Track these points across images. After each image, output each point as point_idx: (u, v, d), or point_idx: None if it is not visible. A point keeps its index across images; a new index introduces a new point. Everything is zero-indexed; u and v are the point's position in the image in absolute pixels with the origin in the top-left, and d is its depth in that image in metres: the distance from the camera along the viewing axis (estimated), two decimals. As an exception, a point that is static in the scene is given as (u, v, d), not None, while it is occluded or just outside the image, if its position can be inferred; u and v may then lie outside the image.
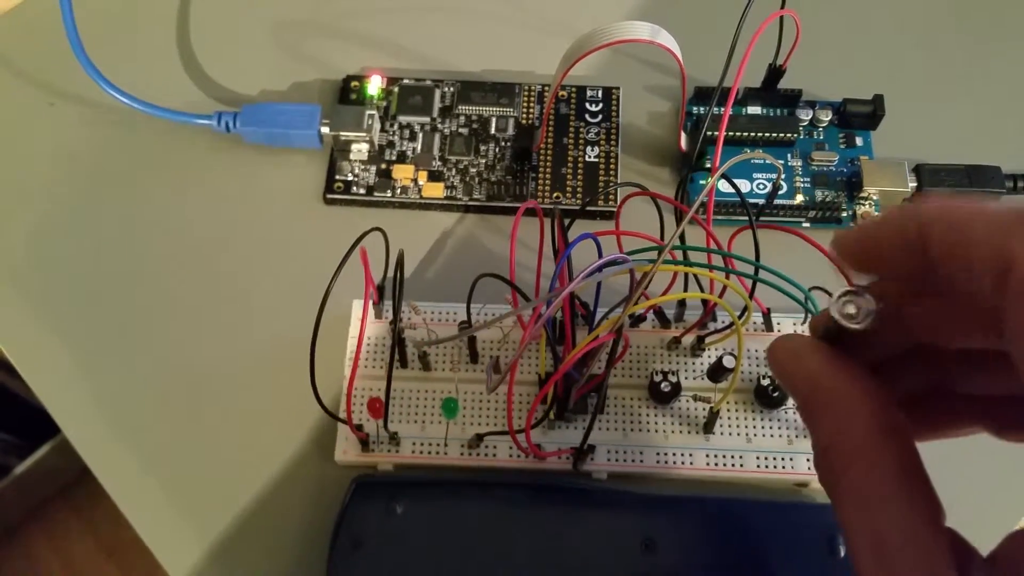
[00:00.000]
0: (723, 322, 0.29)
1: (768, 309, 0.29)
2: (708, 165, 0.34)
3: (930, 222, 0.17)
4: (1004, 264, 0.16)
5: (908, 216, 0.18)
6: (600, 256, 0.23)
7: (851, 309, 0.19)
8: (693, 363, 0.29)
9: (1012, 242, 0.16)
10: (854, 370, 0.19)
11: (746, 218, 0.26)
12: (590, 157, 0.35)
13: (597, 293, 0.27)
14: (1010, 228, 0.16)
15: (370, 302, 0.29)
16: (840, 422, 0.18)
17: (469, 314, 0.27)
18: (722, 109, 0.31)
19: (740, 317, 0.25)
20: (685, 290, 0.27)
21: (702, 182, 0.34)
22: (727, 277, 0.25)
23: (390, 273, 0.26)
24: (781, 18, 0.32)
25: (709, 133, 0.33)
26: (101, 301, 0.33)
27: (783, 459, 0.28)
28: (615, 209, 0.30)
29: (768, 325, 0.29)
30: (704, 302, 0.27)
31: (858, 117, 0.35)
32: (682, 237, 0.26)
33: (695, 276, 0.27)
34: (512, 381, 0.23)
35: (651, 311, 0.30)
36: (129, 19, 0.39)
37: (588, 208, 0.34)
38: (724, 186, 0.34)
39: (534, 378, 0.29)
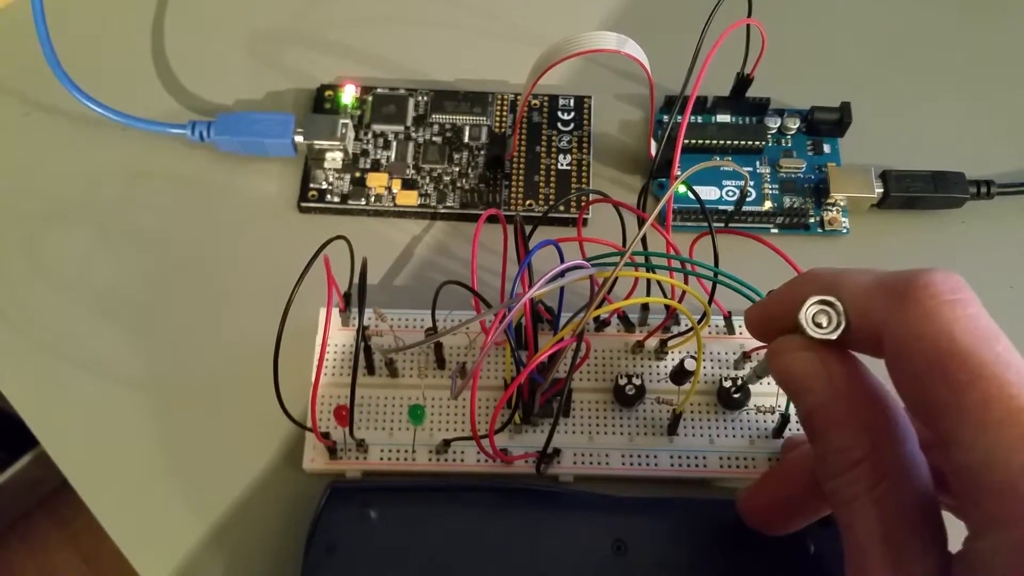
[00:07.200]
0: (687, 325, 0.29)
1: (729, 312, 0.29)
2: (678, 173, 0.34)
3: (805, 298, 0.19)
4: (875, 333, 0.18)
5: (789, 298, 0.20)
6: (562, 262, 0.24)
7: (823, 320, 0.19)
8: (657, 366, 0.29)
9: (876, 316, 0.18)
10: (879, 383, 0.19)
11: (715, 224, 0.27)
12: (562, 165, 0.35)
13: (560, 298, 0.27)
14: (872, 297, 0.18)
15: (335, 310, 0.29)
16: (881, 434, 0.19)
17: (435, 320, 0.27)
18: (688, 118, 0.31)
19: (700, 321, 0.26)
20: (648, 295, 0.27)
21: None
22: (686, 282, 0.25)
23: (355, 281, 0.26)
24: (748, 27, 0.33)
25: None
26: (74, 310, 0.33)
27: (745, 459, 0.28)
28: (577, 215, 0.31)
29: (730, 328, 0.30)
30: (666, 306, 0.28)
31: (825, 124, 0.36)
32: (644, 243, 0.26)
33: (658, 281, 0.27)
34: (475, 386, 0.24)
35: (615, 315, 0.30)
36: (104, 29, 0.39)
37: (554, 215, 0.34)
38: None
39: (500, 383, 0.29)
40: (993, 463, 0.16)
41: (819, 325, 0.19)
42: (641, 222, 0.28)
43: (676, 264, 0.26)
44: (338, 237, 0.25)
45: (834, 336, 0.19)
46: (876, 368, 0.20)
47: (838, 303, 0.19)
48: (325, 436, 0.27)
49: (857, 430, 0.19)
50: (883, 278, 0.18)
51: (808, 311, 0.19)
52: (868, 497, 0.18)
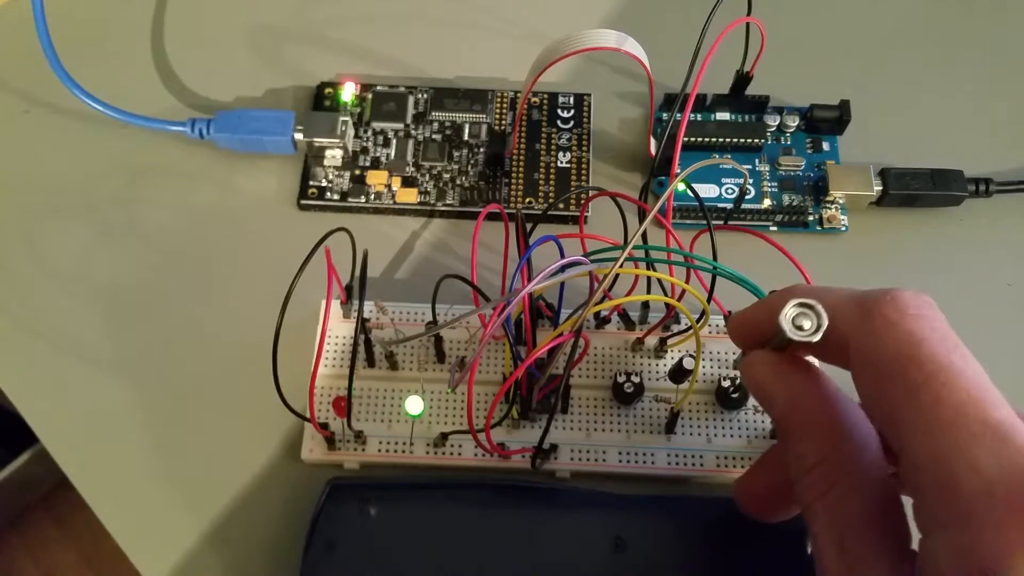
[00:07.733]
0: (687, 324, 0.30)
1: (729, 312, 0.29)
2: (678, 171, 0.34)
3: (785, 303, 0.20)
4: (843, 343, 0.19)
5: (770, 307, 0.21)
6: (562, 258, 0.24)
7: (805, 323, 0.19)
8: (656, 364, 0.30)
9: (845, 327, 0.19)
10: (838, 393, 0.20)
11: (715, 221, 0.27)
12: (562, 163, 0.35)
13: (560, 294, 0.27)
14: (843, 309, 0.19)
15: (336, 301, 0.29)
16: (833, 442, 0.19)
17: (435, 313, 0.27)
18: (688, 116, 0.31)
19: (699, 320, 0.26)
20: (648, 293, 0.27)
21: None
22: (687, 280, 0.25)
23: (356, 273, 0.27)
24: (747, 25, 0.33)
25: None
26: (74, 306, 0.33)
27: (742, 459, 0.28)
28: (578, 213, 0.31)
29: (729, 327, 0.30)
30: (666, 304, 0.28)
31: (825, 122, 0.36)
32: (645, 237, 0.26)
33: (658, 279, 0.27)
34: (472, 380, 0.24)
35: (616, 313, 0.30)
36: (103, 26, 0.39)
37: (554, 213, 0.34)
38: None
39: (499, 378, 0.29)
40: (938, 463, 0.17)
41: (800, 328, 0.19)
42: (642, 217, 0.28)
43: (676, 258, 0.26)
44: (339, 229, 0.25)
45: (815, 338, 0.19)
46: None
47: (818, 306, 0.19)
48: (323, 427, 0.27)
49: (810, 437, 0.20)
50: (855, 294, 0.19)
51: (788, 313, 0.19)
52: (820, 503, 0.19)
